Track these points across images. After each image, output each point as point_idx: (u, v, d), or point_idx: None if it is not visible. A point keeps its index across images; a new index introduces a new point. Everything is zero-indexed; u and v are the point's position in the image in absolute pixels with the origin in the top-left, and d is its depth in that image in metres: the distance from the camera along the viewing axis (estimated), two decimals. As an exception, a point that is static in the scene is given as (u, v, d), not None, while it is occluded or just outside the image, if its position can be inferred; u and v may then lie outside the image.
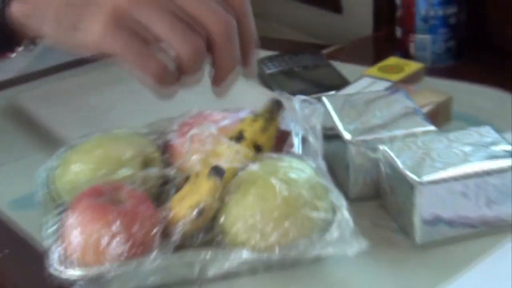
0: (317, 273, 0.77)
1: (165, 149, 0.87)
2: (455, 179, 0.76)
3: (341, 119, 0.87)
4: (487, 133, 0.82)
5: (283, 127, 0.87)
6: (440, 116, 0.97)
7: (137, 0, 0.77)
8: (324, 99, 0.92)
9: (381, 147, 0.82)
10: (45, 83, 1.16)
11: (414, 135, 0.83)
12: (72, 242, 0.73)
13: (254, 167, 0.80)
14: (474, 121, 0.98)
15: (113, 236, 0.72)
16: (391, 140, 0.82)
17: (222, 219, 0.77)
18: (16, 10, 0.85)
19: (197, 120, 0.87)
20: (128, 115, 0.94)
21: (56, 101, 1.05)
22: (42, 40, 0.89)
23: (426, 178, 0.75)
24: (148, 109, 0.93)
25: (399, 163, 0.78)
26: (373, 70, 1.08)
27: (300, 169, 0.80)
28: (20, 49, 0.93)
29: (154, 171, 0.83)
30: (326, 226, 0.76)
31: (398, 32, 1.21)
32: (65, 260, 0.72)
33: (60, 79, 0.95)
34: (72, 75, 1.05)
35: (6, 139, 1.01)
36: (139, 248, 0.73)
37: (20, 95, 0.97)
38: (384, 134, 0.84)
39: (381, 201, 0.84)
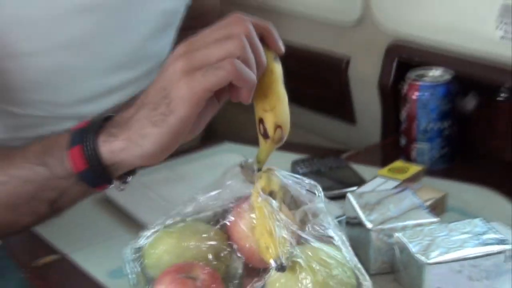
0: None
1: (225, 229, 0.82)
2: (455, 261, 0.78)
3: (363, 211, 0.89)
4: (479, 224, 0.84)
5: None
6: (437, 209, 0.98)
7: (187, 55, 0.74)
8: (349, 195, 0.94)
9: (396, 234, 0.84)
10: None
11: (421, 225, 0.85)
12: None
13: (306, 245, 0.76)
14: (465, 213, 0.99)
15: None
16: (403, 229, 0.85)
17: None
18: (106, 150, 0.79)
19: (242, 202, 0.82)
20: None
21: (137, 193, 1.05)
22: (136, 170, 0.86)
23: (432, 260, 0.78)
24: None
25: (410, 247, 0.81)
26: (384, 171, 1.08)
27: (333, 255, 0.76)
28: (115, 183, 0.85)
29: (223, 254, 0.80)
30: None
31: (402, 140, 1.21)
32: None
33: (139, 176, 0.91)
34: (148, 173, 1.06)
35: (99, 223, 1.03)
36: None
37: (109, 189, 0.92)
38: (397, 224, 0.86)
39: (395, 276, 0.86)
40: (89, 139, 0.79)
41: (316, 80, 1.36)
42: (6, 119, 1.14)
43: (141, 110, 0.77)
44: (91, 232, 1.00)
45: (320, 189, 0.84)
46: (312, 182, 0.84)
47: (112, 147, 0.78)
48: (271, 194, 0.78)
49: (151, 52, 1.24)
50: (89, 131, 0.79)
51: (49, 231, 0.99)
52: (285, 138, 0.81)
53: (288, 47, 1.46)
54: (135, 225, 0.94)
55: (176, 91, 0.73)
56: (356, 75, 1.41)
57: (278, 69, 0.80)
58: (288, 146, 0.95)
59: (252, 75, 0.73)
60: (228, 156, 1.27)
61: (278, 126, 0.79)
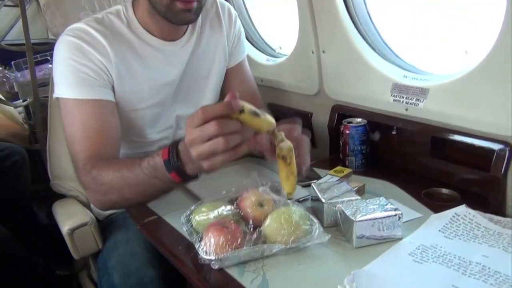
0: (309, 251, 0.78)
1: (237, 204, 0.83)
2: (370, 219, 0.78)
3: (320, 193, 0.88)
4: (382, 200, 0.83)
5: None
6: (360, 192, 0.96)
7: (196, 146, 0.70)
8: (312, 184, 0.93)
9: (338, 205, 0.84)
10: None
11: (351, 200, 0.84)
12: (208, 244, 0.74)
13: (280, 208, 0.81)
14: (375, 194, 0.96)
15: (226, 241, 0.73)
16: (342, 202, 0.84)
17: (264, 231, 0.77)
18: (188, 169, 0.78)
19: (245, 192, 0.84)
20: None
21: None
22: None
23: (358, 219, 0.78)
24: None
25: (346, 212, 0.80)
26: (331, 172, 1.06)
27: (299, 211, 0.80)
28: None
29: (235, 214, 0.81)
30: (312, 231, 0.78)
31: (341, 155, 1.17)
32: (206, 252, 0.74)
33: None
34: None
35: (179, 198, 1.00)
36: (237, 246, 0.74)
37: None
38: (339, 200, 0.85)
39: (337, 228, 0.85)
40: (179, 168, 0.78)
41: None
42: (130, 144, 1.13)
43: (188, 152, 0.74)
44: (174, 203, 0.97)
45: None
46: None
47: (189, 170, 0.79)
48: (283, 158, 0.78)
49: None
50: (175, 163, 0.78)
51: (151, 203, 0.97)
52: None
53: (277, 106, 1.48)
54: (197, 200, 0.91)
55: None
56: (316, 121, 1.40)
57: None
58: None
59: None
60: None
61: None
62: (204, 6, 1.00)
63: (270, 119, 0.73)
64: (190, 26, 1.11)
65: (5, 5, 3.12)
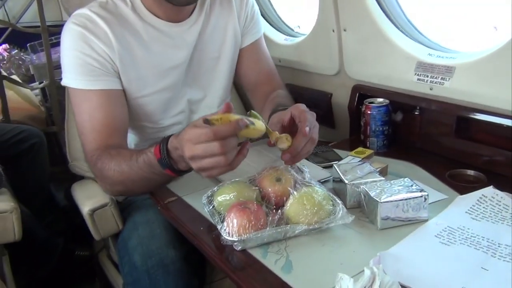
0: (333, 233, 0.77)
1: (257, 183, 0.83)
2: (394, 201, 0.77)
3: (343, 174, 0.86)
4: (407, 181, 0.82)
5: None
6: (383, 173, 0.95)
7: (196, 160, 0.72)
8: (334, 165, 0.91)
9: (361, 186, 0.83)
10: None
11: (375, 181, 0.83)
12: (231, 225, 0.74)
13: (302, 189, 0.80)
14: (398, 175, 0.92)
15: (249, 222, 0.73)
16: (365, 183, 0.83)
17: (287, 212, 0.77)
18: (181, 167, 0.81)
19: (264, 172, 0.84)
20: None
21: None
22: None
23: (383, 200, 0.77)
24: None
25: (370, 193, 0.79)
26: (352, 153, 1.06)
27: (322, 192, 0.80)
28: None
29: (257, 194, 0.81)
30: (336, 212, 0.77)
31: (362, 136, 1.15)
32: (229, 233, 0.73)
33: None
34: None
35: (199, 180, 0.90)
36: (259, 227, 0.74)
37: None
38: (362, 181, 0.84)
39: (361, 209, 0.83)
40: (172, 166, 0.81)
41: (315, 104, 1.32)
42: (143, 130, 1.14)
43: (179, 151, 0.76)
44: (194, 184, 0.96)
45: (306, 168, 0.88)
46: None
47: (182, 167, 0.81)
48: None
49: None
50: (167, 162, 0.80)
51: (171, 184, 0.98)
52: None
53: (296, 86, 1.46)
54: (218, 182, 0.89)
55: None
56: (335, 102, 1.39)
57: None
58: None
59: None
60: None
61: None
62: None
63: (261, 125, 0.74)
64: (197, 6, 1.08)
65: (19, -13, 3.14)
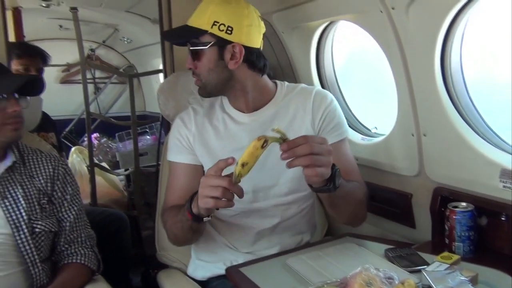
0: None
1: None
2: None
3: (434, 282, 0.88)
4: None
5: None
6: (473, 282, 0.94)
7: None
8: (424, 272, 0.93)
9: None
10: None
11: None
12: None
13: None
14: (488, 285, 0.94)
15: None
16: None
17: None
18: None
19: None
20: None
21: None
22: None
23: None
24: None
25: None
26: (439, 258, 1.06)
27: None
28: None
29: None
30: None
31: (447, 240, 1.18)
32: None
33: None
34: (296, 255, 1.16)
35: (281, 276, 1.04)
36: None
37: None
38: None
39: None
40: (190, 207, 1.06)
41: (394, 204, 1.36)
42: None
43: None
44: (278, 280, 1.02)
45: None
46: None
47: (194, 210, 1.04)
48: None
49: None
50: (189, 203, 1.06)
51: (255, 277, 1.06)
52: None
53: (374, 185, 1.48)
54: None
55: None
56: (415, 202, 1.41)
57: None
58: (381, 240, 1.16)
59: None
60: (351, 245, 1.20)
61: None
62: (209, 84, 1.20)
63: (251, 149, 0.91)
64: (271, 102, 1.26)
65: (111, 83, 3.57)
